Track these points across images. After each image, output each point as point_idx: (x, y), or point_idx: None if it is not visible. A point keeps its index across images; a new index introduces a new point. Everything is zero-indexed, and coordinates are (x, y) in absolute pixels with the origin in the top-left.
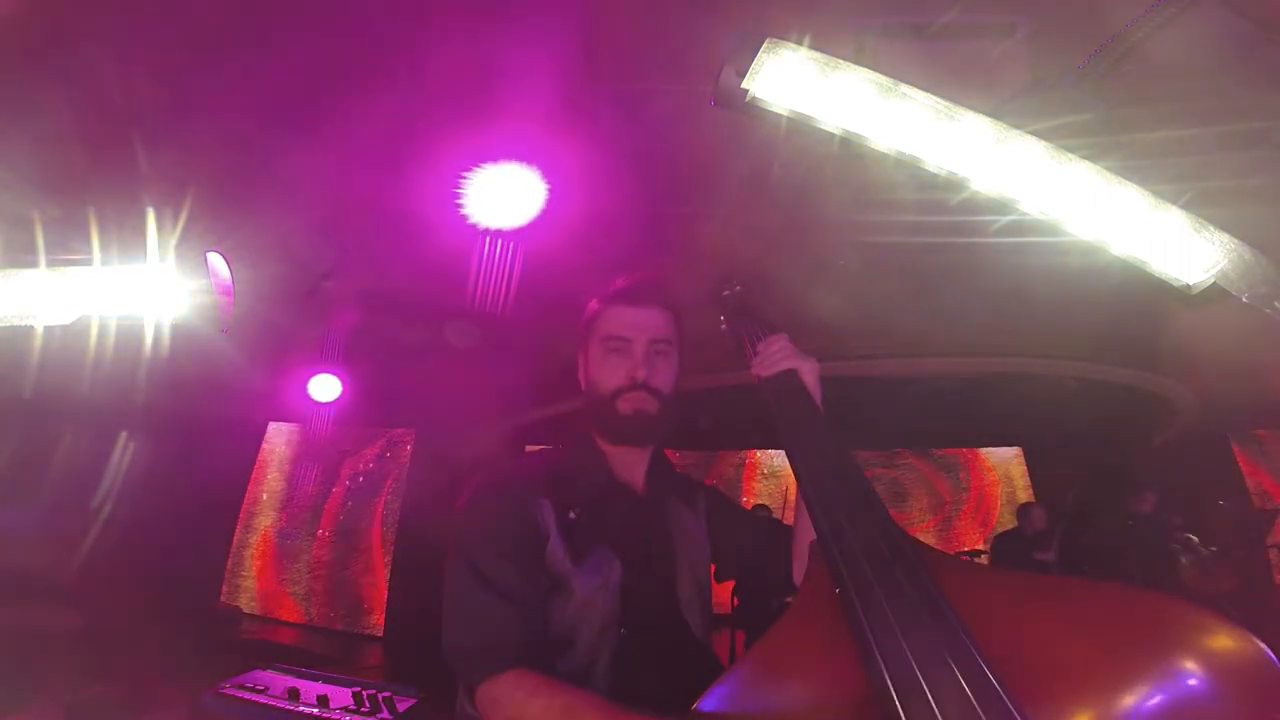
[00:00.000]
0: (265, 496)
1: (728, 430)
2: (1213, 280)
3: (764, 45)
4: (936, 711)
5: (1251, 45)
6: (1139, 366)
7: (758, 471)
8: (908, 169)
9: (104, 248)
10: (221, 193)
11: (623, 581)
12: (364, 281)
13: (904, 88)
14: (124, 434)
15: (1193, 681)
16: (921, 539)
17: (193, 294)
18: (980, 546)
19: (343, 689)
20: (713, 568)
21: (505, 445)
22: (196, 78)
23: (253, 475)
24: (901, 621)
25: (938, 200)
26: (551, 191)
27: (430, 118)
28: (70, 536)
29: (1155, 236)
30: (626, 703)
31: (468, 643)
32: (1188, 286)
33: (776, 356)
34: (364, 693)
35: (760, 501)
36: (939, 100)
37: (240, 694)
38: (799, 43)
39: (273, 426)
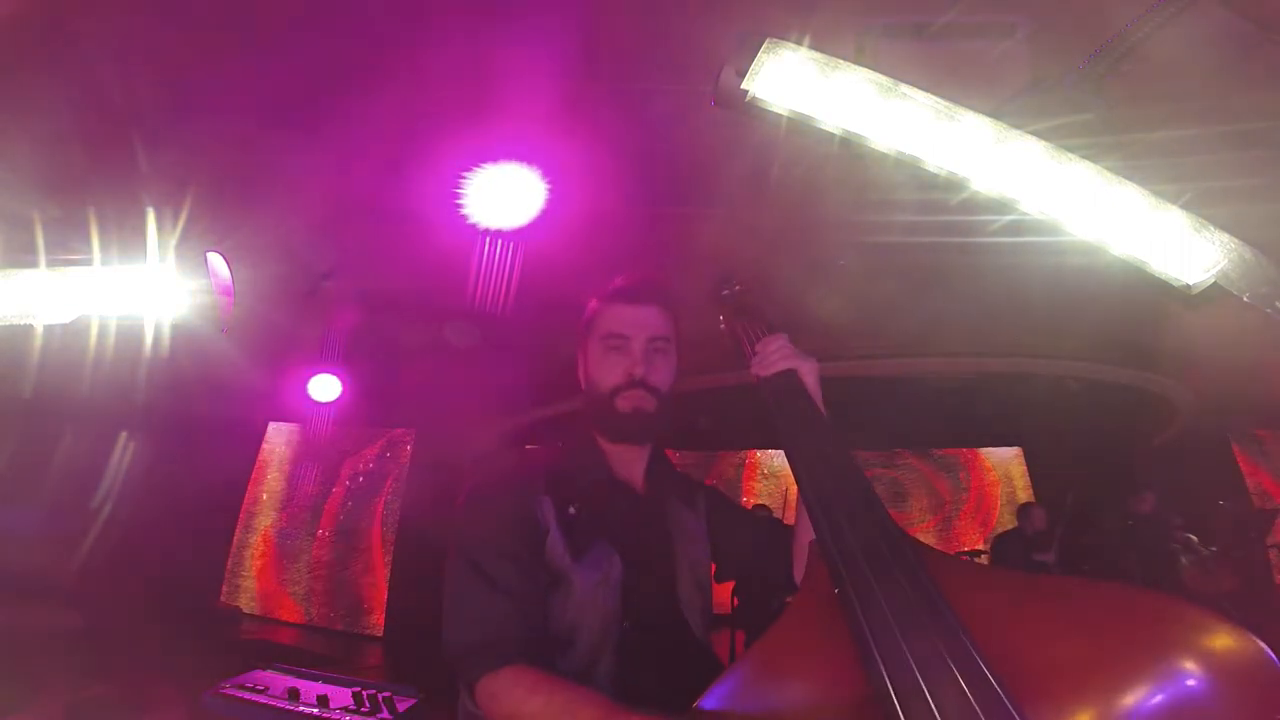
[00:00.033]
0: (265, 496)
1: (728, 430)
2: (1213, 280)
3: (764, 45)
4: (935, 712)
5: (1251, 45)
6: (1139, 366)
7: (758, 471)
8: (908, 169)
9: (104, 248)
10: (221, 193)
11: (623, 578)
12: (364, 281)
13: (904, 88)
14: (124, 434)
15: (1193, 682)
16: (921, 539)
17: (193, 294)
18: (980, 546)
19: (343, 689)
20: (713, 568)
21: (505, 445)
22: (196, 78)
23: (253, 475)
24: (901, 622)
25: (938, 200)
26: (551, 191)
27: (430, 118)
28: (70, 536)
29: (1155, 236)
30: (629, 701)
31: (467, 638)
32: (1188, 286)
33: (775, 356)
34: (364, 693)
35: (760, 501)
36: (939, 100)
37: (240, 694)
38: (799, 43)
39: (273, 426)
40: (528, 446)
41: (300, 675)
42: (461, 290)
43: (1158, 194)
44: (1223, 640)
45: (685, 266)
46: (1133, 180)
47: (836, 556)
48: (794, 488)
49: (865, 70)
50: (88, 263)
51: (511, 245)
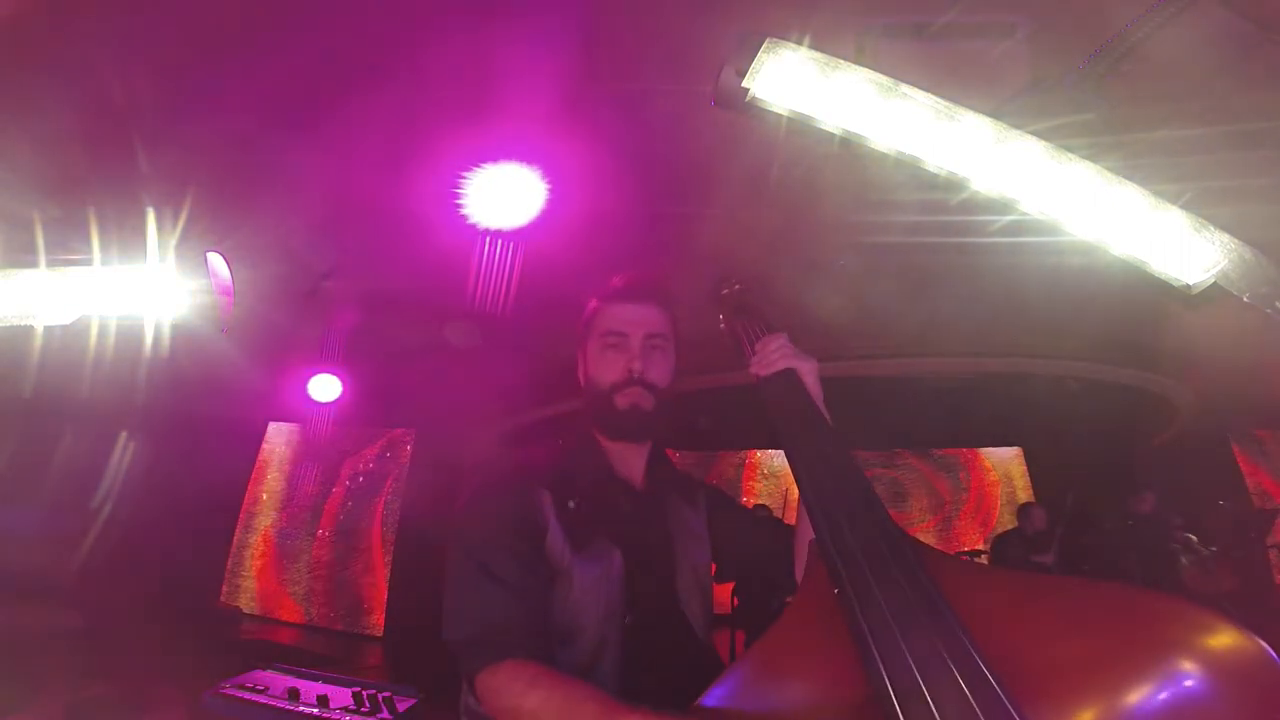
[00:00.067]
0: (265, 496)
1: (728, 430)
2: (1213, 280)
3: (764, 45)
4: (935, 712)
5: (1251, 45)
6: (1139, 366)
7: (758, 471)
8: (908, 169)
9: (104, 248)
10: (221, 193)
11: (624, 574)
12: (364, 281)
13: (904, 88)
14: (124, 434)
15: (1194, 682)
16: (921, 539)
17: (193, 294)
18: (980, 546)
19: (343, 689)
20: (713, 568)
21: (505, 445)
22: (196, 78)
23: (253, 475)
24: (900, 622)
25: (938, 200)
26: (551, 192)
27: (430, 118)
28: (70, 536)
29: (1155, 236)
30: (632, 699)
31: (467, 631)
32: (1188, 286)
33: (775, 356)
34: (364, 693)
35: (760, 501)
36: (939, 100)
37: (240, 694)
38: (799, 43)
39: (273, 426)
40: (528, 445)
41: (300, 675)
42: (461, 290)
43: (1158, 194)
44: (1224, 640)
45: (685, 266)
46: (1133, 180)
47: (836, 556)
48: (794, 488)
49: (865, 70)
50: (88, 263)
51: (511, 245)
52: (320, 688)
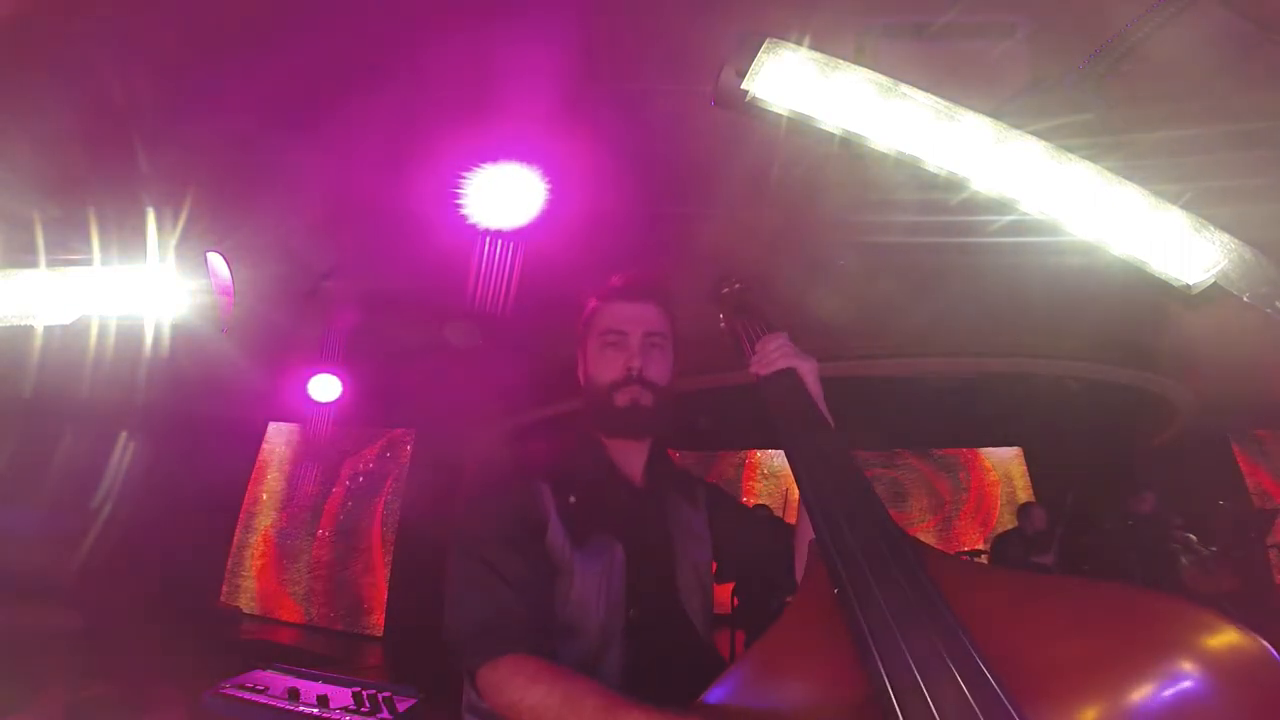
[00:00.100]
0: (265, 496)
1: (728, 430)
2: (1213, 280)
3: (764, 45)
4: (934, 712)
5: (1251, 45)
6: (1139, 366)
7: (758, 471)
8: (908, 169)
9: (104, 248)
10: (221, 193)
11: (626, 568)
12: (364, 281)
13: (904, 88)
14: (124, 434)
15: (1195, 682)
16: (921, 539)
17: (193, 294)
18: (980, 546)
19: (343, 689)
20: (714, 567)
21: (506, 444)
22: (196, 78)
23: (253, 475)
24: (900, 621)
25: (938, 200)
26: (551, 191)
27: (430, 118)
28: (70, 536)
29: (1155, 236)
30: (633, 695)
31: (468, 625)
32: (1188, 286)
33: (774, 355)
34: (364, 693)
35: (760, 501)
36: (939, 100)
37: (240, 694)
38: (799, 43)
39: (273, 426)
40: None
41: (300, 675)
42: (461, 290)
43: (1158, 194)
44: (1224, 639)
45: (685, 266)
46: (1133, 180)
47: (835, 556)
48: (794, 488)
49: (865, 70)
50: (88, 263)
51: (511, 245)
52: (320, 688)
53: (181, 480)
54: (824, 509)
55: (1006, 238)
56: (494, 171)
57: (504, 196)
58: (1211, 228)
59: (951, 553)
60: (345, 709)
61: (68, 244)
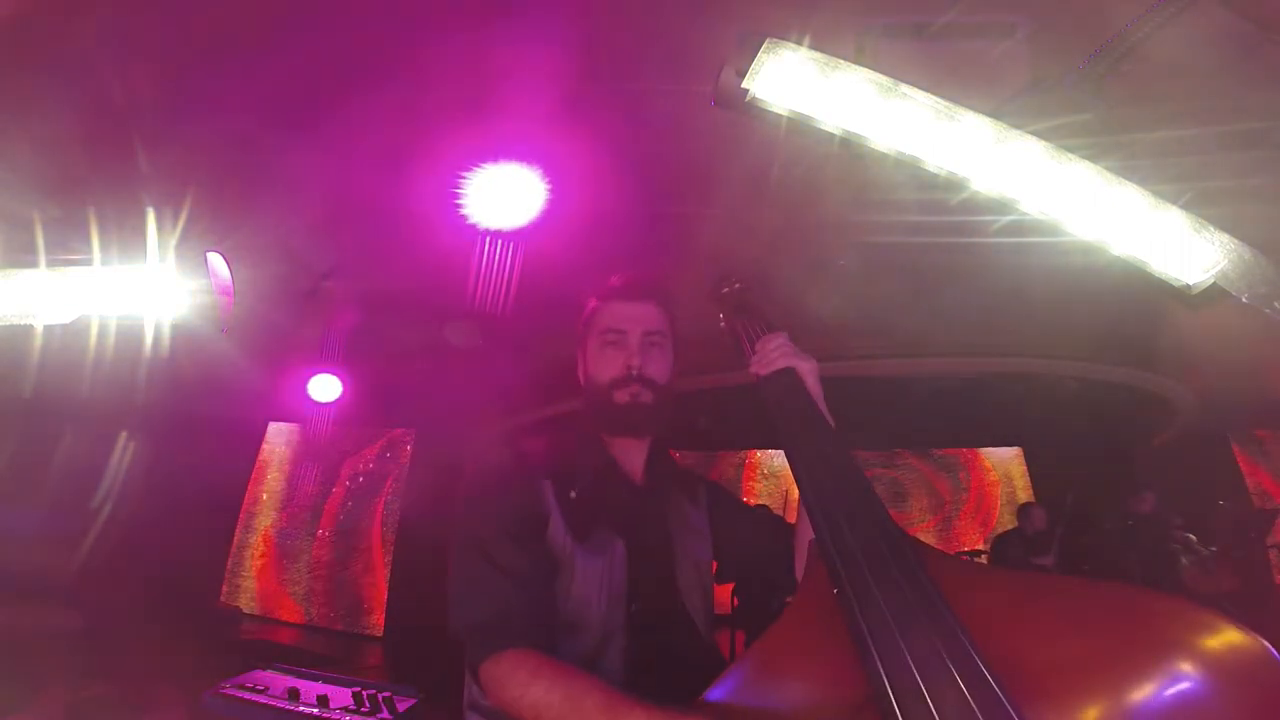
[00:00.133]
0: (265, 496)
1: (728, 430)
2: (1213, 280)
3: (764, 45)
4: (934, 712)
5: (1251, 45)
6: (1139, 366)
7: (758, 471)
8: (908, 169)
9: (104, 248)
10: (221, 193)
11: (627, 564)
12: (364, 281)
13: (904, 88)
14: (124, 434)
15: (1196, 682)
16: (921, 539)
17: (193, 294)
18: (980, 546)
19: (343, 689)
20: (714, 566)
21: (506, 444)
22: (196, 78)
23: (253, 475)
24: (899, 622)
25: (938, 200)
26: (551, 191)
27: (430, 118)
28: (70, 536)
29: (1155, 236)
30: (635, 691)
31: (470, 620)
32: (1188, 286)
33: (774, 355)
34: (364, 693)
35: (760, 501)
36: (939, 100)
37: (240, 694)
38: (799, 43)
39: (273, 426)
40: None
41: (300, 675)
42: (461, 290)
43: (1158, 194)
44: (1225, 639)
45: (685, 266)
46: (1133, 180)
47: (835, 556)
48: (794, 488)
49: (865, 70)
50: (88, 263)
51: (511, 245)
52: (320, 688)
53: (181, 480)
54: (824, 509)
55: (1006, 238)
56: (494, 171)
57: (504, 196)
58: (1211, 228)
59: (951, 553)
60: (345, 709)
61: (68, 244)
